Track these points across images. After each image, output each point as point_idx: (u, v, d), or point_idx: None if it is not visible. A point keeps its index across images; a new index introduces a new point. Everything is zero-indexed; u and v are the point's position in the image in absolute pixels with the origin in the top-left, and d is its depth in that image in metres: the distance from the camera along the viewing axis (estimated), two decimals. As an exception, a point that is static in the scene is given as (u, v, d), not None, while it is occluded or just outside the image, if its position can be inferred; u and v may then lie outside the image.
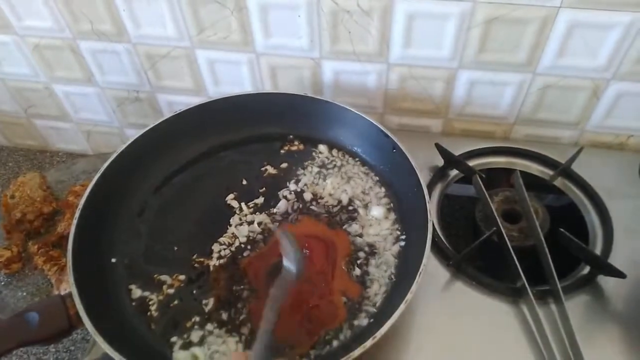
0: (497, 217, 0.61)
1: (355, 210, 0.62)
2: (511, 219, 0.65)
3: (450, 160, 0.70)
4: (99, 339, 0.45)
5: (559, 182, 0.70)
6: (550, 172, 0.70)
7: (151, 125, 0.66)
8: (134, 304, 0.55)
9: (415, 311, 0.57)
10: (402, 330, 0.56)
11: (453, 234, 0.66)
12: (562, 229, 0.59)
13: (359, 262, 0.57)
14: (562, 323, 0.54)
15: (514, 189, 0.67)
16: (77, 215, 0.55)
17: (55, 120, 0.92)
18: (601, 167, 0.70)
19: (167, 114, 0.68)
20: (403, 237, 0.59)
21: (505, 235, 0.60)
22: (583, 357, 0.50)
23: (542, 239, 0.59)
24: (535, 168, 0.72)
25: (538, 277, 0.58)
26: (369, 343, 0.45)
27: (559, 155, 0.72)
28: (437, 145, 0.70)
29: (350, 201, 0.63)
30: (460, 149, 0.73)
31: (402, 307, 0.47)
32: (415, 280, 0.49)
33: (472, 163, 0.71)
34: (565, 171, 0.69)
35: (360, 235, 0.59)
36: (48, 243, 0.76)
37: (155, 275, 0.57)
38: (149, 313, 0.54)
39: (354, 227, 0.60)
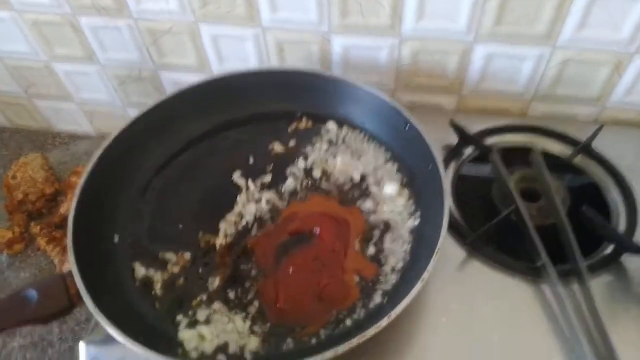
0: (515, 195, 0.59)
1: (367, 188, 0.59)
2: (530, 198, 0.62)
3: (466, 138, 0.67)
4: (99, 317, 0.43)
5: (579, 160, 0.67)
6: (570, 151, 0.67)
7: (153, 104, 0.63)
8: (137, 283, 0.53)
9: (430, 291, 0.54)
10: (417, 311, 0.53)
11: (468, 213, 0.63)
12: (585, 206, 0.57)
13: (373, 240, 0.54)
14: (586, 303, 0.51)
15: (533, 167, 0.64)
16: (76, 194, 0.53)
17: (56, 101, 0.90)
18: (623, 144, 0.67)
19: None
20: (418, 213, 0.56)
21: (524, 213, 0.57)
22: (609, 337, 0.47)
23: (564, 216, 0.56)
24: (553, 146, 0.69)
25: (558, 258, 0.55)
26: (384, 322, 0.42)
27: (578, 133, 0.68)
28: (452, 122, 0.67)
29: (363, 178, 0.60)
30: (475, 128, 0.70)
31: (418, 286, 0.45)
32: (433, 259, 0.46)
33: (487, 141, 0.68)
34: (585, 149, 0.66)
35: (375, 213, 0.57)
36: (51, 224, 0.74)
37: (160, 254, 0.55)
38: (153, 292, 0.52)
39: (368, 205, 0.57)
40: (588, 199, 0.62)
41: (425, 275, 0.45)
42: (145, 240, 0.56)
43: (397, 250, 0.53)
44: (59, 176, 0.82)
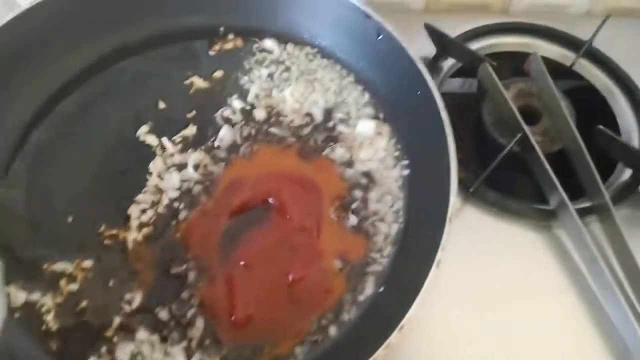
0: (520, 119, 0.46)
1: (334, 128, 0.44)
2: (528, 120, 0.50)
3: (446, 46, 0.52)
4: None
5: (579, 65, 0.55)
6: (569, 53, 0.55)
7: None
8: (17, 315, 0.35)
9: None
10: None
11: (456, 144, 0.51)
12: (600, 126, 0.46)
13: (354, 205, 0.40)
14: (612, 244, 0.43)
15: (531, 77, 0.51)
16: None
17: None
18: (626, 41, 0.56)
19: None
20: (405, 161, 0.42)
21: (533, 142, 0.45)
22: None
23: (579, 138, 0.45)
24: (548, 49, 0.56)
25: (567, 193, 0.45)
26: (393, 337, 0.30)
27: (572, 29, 0.56)
28: (428, 27, 0.51)
29: (327, 115, 0.44)
30: (450, 31, 0.54)
31: (432, 271, 0.32)
32: (445, 228, 0.33)
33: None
34: (588, 50, 0.53)
35: (350, 164, 0.42)
36: None
37: (46, 266, 0.37)
38: (44, 326, 0.35)
39: (339, 152, 0.42)
40: (593, 113, 0.51)
41: (439, 256, 0.32)
42: (20, 245, 0.38)
43: (386, 213, 0.40)
44: None
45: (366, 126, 0.43)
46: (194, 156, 0.41)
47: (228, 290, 0.35)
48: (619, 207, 0.45)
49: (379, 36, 0.43)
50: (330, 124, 0.44)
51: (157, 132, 0.42)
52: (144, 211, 0.39)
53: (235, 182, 0.40)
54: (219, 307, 0.35)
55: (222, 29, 0.48)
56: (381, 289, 0.36)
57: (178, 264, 0.37)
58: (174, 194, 0.39)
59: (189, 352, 0.34)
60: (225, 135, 0.42)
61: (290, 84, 0.45)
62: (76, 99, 0.45)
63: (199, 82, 0.46)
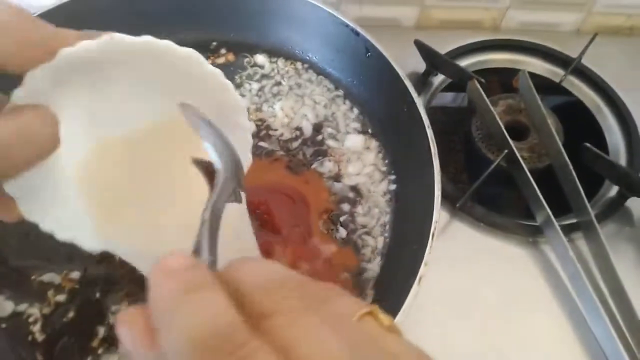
0: (507, 136, 0.47)
1: (322, 142, 0.44)
2: (516, 135, 0.50)
3: (435, 62, 0.53)
4: None
5: (567, 82, 0.56)
6: (558, 70, 0.56)
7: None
8: (3, 325, 0.35)
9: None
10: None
11: (443, 158, 0.51)
12: (587, 144, 0.46)
13: (343, 218, 0.40)
14: (596, 260, 0.43)
15: (519, 94, 0.52)
16: None
17: None
18: (613, 58, 0.57)
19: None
20: (392, 176, 0.43)
21: (520, 159, 0.45)
22: (629, 299, 0.40)
23: (565, 156, 0.46)
24: (537, 65, 0.57)
25: (555, 208, 0.45)
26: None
27: (561, 46, 0.57)
28: (418, 43, 0.52)
29: (316, 130, 0.45)
30: (442, 47, 0.55)
31: (415, 287, 0.32)
32: (428, 245, 0.34)
33: (460, 64, 0.55)
34: (577, 67, 0.54)
35: (338, 178, 0.42)
36: None
37: (34, 276, 0.37)
38: (30, 337, 0.35)
39: (327, 166, 0.42)
40: (581, 129, 0.52)
41: (422, 271, 0.33)
42: (7, 256, 0.38)
43: (373, 226, 0.40)
44: None
45: (354, 141, 0.44)
46: (184, 169, 0.42)
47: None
48: (605, 223, 0.46)
49: (367, 53, 0.44)
50: (319, 138, 0.44)
51: (148, 144, 0.43)
52: (133, 223, 0.39)
53: (224, 195, 0.40)
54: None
55: (214, 43, 0.49)
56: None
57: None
58: (163, 206, 0.40)
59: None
60: (215, 148, 0.43)
61: (281, 99, 0.46)
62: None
63: (191, 96, 0.47)
